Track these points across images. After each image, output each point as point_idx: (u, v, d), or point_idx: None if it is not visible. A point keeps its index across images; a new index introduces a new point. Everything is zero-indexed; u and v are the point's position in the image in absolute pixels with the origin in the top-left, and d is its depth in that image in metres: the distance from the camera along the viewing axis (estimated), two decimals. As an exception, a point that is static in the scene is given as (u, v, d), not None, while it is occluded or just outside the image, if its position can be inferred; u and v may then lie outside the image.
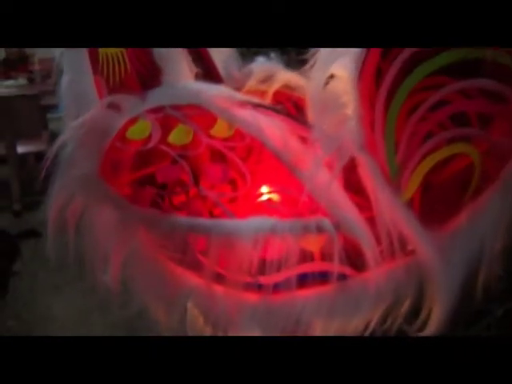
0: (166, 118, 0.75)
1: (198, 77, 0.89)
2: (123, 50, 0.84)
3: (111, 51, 0.83)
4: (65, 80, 0.85)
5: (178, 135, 0.74)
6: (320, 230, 0.70)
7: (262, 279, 0.70)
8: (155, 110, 0.75)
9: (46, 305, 2.66)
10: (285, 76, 0.92)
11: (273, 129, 0.73)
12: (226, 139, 0.74)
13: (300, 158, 0.73)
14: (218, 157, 0.74)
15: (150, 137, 0.74)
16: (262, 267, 0.69)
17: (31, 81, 4.70)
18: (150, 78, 0.84)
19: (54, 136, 3.89)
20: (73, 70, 0.85)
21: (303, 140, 0.74)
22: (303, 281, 0.71)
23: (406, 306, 0.74)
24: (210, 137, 0.74)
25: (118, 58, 0.83)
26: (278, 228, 0.69)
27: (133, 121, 0.75)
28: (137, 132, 0.75)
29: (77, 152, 0.74)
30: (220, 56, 0.94)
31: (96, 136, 0.75)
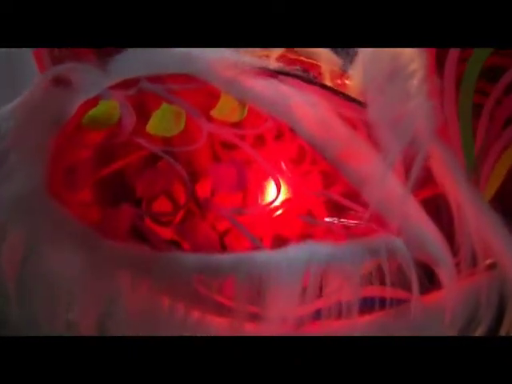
0: (142, 95, 0.50)
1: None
2: None
3: None
4: None
5: (162, 121, 0.49)
6: (392, 253, 0.46)
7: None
8: (125, 85, 0.50)
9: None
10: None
11: (305, 107, 0.49)
12: (236, 124, 0.49)
13: (347, 148, 0.49)
14: (229, 152, 0.49)
15: (118, 124, 0.49)
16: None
17: None
18: None
19: None
20: None
21: (350, 123, 0.50)
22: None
23: (479, 331, 0.54)
24: (212, 121, 0.49)
25: None
26: (336, 257, 0.44)
27: (92, 102, 0.50)
28: (99, 118, 0.49)
29: (10, 156, 0.48)
30: None
31: (38, 128, 0.49)
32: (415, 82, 0.50)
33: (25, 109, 0.49)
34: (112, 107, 0.49)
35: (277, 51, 0.63)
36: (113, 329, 0.48)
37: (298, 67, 0.56)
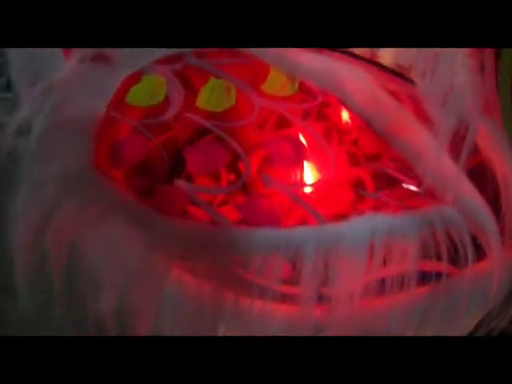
0: (188, 70, 0.49)
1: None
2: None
3: None
4: None
5: (212, 96, 0.48)
6: (447, 224, 0.46)
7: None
8: (170, 60, 0.49)
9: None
10: None
11: (354, 81, 0.49)
12: (287, 98, 0.48)
13: (397, 121, 0.49)
14: (282, 126, 0.48)
15: (165, 101, 0.48)
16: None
17: None
18: None
19: None
20: None
21: (397, 97, 0.50)
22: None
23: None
24: (263, 95, 0.48)
25: None
26: (396, 228, 0.44)
27: (135, 77, 0.48)
28: (143, 94, 0.48)
29: (52, 135, 0.46)
30: None
31: (79, 107, 0.47)
32: (460, 57, 0.50)
33: (65, 85, 0.48)
34: (158, 83, 0.48)
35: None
36: (169, 315, 0.47)
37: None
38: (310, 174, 0.48)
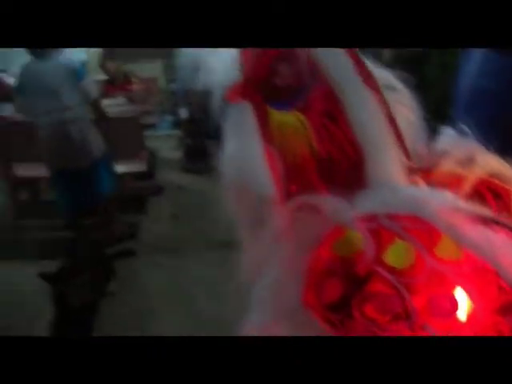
0: (380, 230, 0.64)
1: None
2: (303, 116, 0.69)
3: (290, 118, 0.69)
4: (228, 147, 0.73)
5: (397, 254, 0.63)
6: None
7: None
8: (368, 219, 0.64)
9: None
10: (488, 161, 0.79)
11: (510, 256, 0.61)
12: (453, 262, 0.62)
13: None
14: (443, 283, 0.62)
15: (361, 253, 0.63)
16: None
17: (131, 100, 4.74)
18: (341, 162, 0.70)
19: (152, 155, 3.95)
20: (236, 129, 0.72)
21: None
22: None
23: None
24: (436, 258, 0.62)
25: (296, 125, 0.69)
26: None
27: (340, 230, 0.65)
28: (346, 245, 0.64)
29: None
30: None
31: (297, 247, 0.65)
32: None
33: (280, 234, 0.66)
34: (357, 237, 0.65)
35: (476, 173, 0.76)
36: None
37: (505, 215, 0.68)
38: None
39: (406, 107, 0.81)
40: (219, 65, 0.76)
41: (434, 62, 3.16)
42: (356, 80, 0.67)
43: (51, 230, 4.18)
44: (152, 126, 4.80)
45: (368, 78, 0.69)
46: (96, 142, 3.56)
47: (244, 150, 0.70)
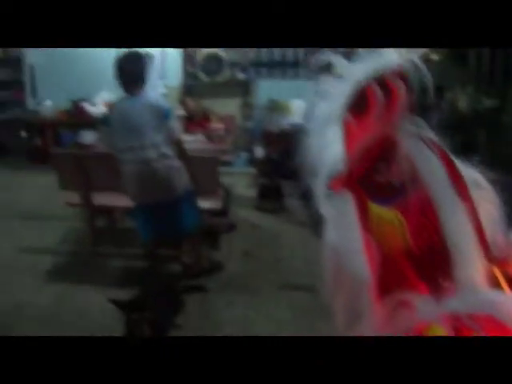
0: (462, 328, 0.73)
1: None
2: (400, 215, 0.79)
3: (389, 214, 0.79)
4: (330, 233, 0.83)
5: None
6: None
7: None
8: (452, 317, 0.74)
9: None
10: None
11: None
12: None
13: None
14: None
15: None
16: None
17: (209, 138, 4.92)
18: (433, 262, 0.80)
19: (227, 192, 4.01)
20: (338, 217, 0.82)
21: None
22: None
23: None
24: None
25: (395, 222, 0.78)
26: None
27: (427, 325, 0.74)
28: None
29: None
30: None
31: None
32: None
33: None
34: (440, 332, 0.74)
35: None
36: None
37: None
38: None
39: (491, 204, 0.90)
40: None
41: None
42: (451, 191, 0.77)
43: (127, 258, 4.35)
44: (227, 163, 4.93)
45: (461, 189, 0.78)
46: (181, 179, 3.68)
47: (345, 237, 0.81)
